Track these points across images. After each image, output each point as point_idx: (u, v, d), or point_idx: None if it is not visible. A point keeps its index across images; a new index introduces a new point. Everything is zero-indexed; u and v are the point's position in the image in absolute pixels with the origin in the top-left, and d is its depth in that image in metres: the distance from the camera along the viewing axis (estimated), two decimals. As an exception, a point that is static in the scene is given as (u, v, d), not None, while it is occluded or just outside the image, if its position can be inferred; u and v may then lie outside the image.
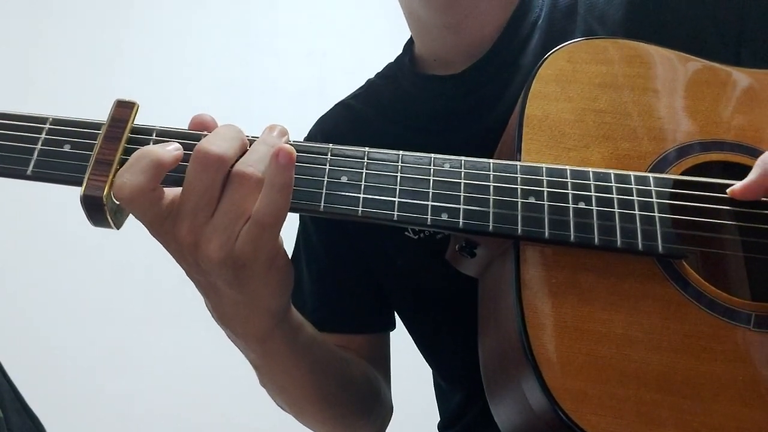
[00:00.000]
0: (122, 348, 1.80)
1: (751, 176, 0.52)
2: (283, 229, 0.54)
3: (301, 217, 0.86)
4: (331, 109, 0.87)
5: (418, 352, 0.86)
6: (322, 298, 0.83)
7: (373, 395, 0.82)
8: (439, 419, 0.88)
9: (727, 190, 0.53)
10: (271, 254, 0.53)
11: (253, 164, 0.50)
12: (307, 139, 0.86)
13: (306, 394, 0.71)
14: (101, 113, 0.54)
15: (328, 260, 0.83)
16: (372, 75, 0.88)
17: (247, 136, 0.53)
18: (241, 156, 0.51)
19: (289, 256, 0.58)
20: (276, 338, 0.60)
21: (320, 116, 0.87)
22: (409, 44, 0.85)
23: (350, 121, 0.83)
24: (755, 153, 0.56)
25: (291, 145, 0.54)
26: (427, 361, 0.86)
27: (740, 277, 0.58)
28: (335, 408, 0.76)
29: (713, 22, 0.69)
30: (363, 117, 0.82)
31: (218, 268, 0.51)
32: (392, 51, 0.87)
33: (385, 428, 0.87)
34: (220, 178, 0.50)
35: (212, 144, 0.50)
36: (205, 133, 0.53)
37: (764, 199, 0.53)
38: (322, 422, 0.78)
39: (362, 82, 0.88)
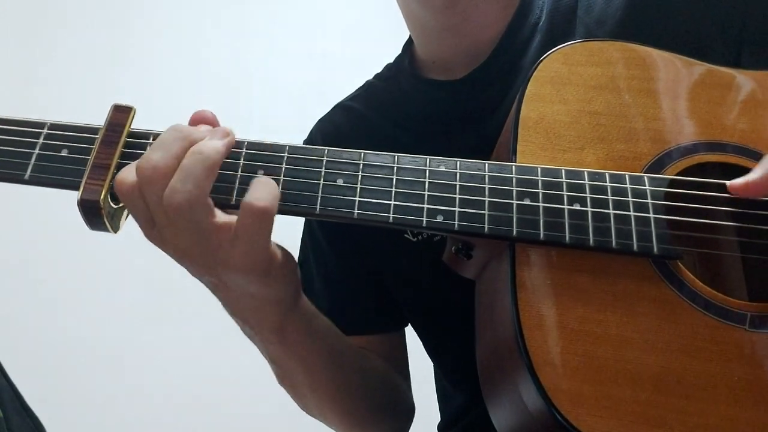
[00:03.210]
0: (122, 348, 1.80)
1: (755, 173, 0.52)
2: (284, 231, 0.54)
3: (306, 219, 0.86)
4: (330, 111, 0.86)
5: (417, 352, 0.86)
6: (334, 299, 0.82)
7: (393, 391, 0.82)
8: (438, 420, 0.88)
9: (727, 183, 0.53)
10: (262, 254, 0.52)
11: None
12: (308, 140, 0.86)
13: (326, 388, 0.71)
14: (101, 114, 0.55)
15: (337, 261, 0.83)
16: (371, 75, 0.87)
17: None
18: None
19: (289, 252, 0.58)
20: (291, 325, 0.61)
21: (320, 118, 0.87)
22: (409, 44, 0.84)
23: (351, 123, 0.83)
24: (754, 155, 0.55)
25: (289, 147, 0.54)
26: (432, 361, 0.86)
27: (737, 278, 0.58)
28: (356, 401, 0.75)
29: (714, 22, 0.68)
30: (364, 118, 0.82)
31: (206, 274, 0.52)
32: (392, 51, 0.87)
33: (408, 428, 0.87)
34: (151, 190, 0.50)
35: (142, 160, 0.50)
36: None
37: (763, 198, 0.53)
38: (344, 417, 0.77)
39: (362, 83, 0.87)
